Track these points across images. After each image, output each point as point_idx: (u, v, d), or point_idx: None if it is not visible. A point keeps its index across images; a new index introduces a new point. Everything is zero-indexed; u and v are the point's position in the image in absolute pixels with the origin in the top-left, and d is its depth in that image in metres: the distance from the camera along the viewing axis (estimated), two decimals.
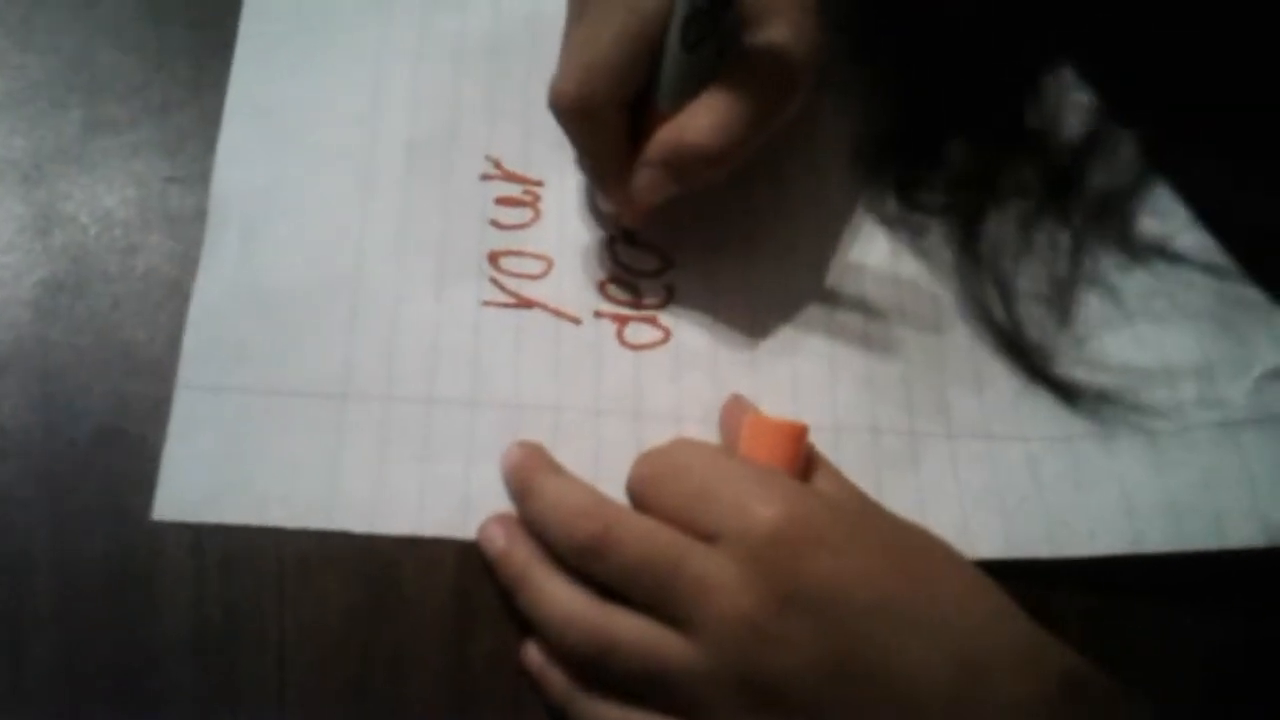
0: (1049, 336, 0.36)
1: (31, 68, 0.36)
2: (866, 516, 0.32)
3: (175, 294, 0.34)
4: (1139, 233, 0.38)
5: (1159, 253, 0.38)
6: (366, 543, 0.32)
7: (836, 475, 0.33)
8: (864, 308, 0.37)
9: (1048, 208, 0.38)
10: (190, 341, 0.33)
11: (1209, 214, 0.38)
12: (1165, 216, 0.38)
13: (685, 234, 0.37)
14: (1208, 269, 0.37)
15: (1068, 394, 0.36)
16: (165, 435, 0.32)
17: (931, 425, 0.36)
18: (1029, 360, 0.36)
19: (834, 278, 0.38)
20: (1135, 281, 0.38)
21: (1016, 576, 0.32)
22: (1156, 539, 0.34)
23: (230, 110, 0.37)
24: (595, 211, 0.37)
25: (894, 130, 0.39)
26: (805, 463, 0.33)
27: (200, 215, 0.35)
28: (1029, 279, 0.37)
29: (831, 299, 0.37)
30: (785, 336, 0.37)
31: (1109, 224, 0.38)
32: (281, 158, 0.36)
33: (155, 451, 0.32)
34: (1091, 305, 0.37)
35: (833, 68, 0.36)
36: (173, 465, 0.32)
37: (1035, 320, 0.37)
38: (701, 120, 0.32)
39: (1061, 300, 0.37)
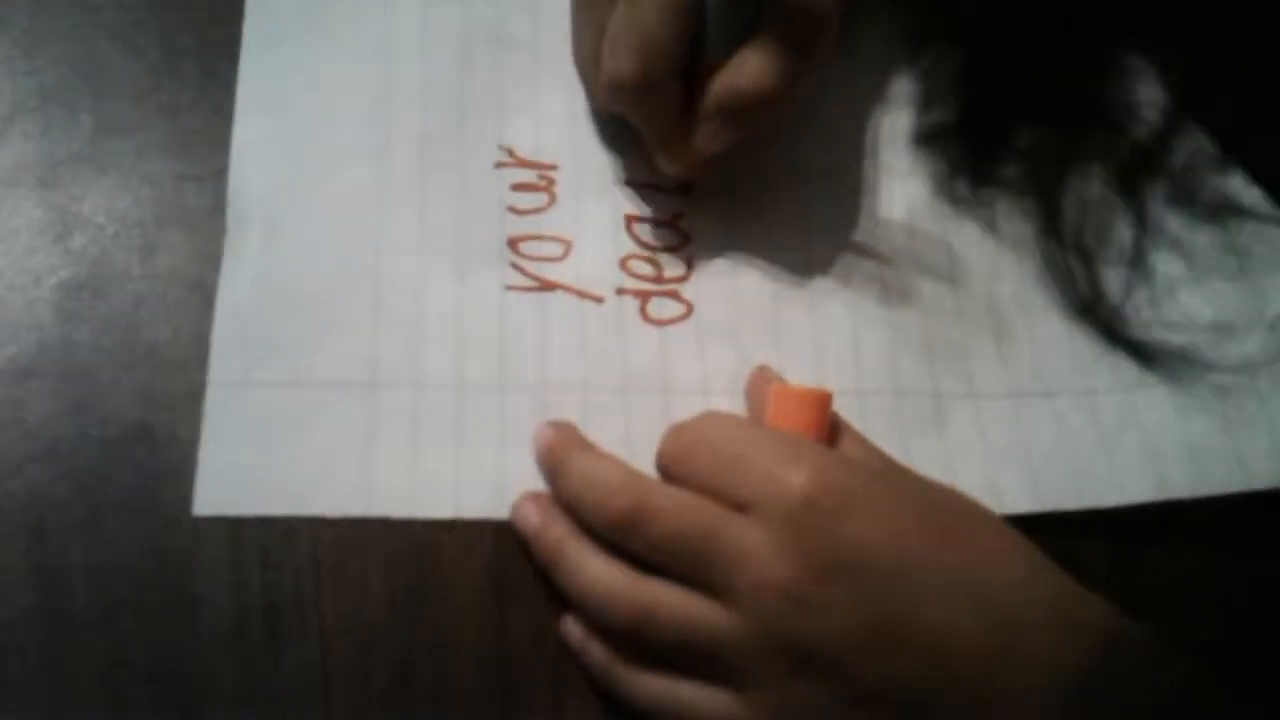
0: (1128, 301, 0.37)
1: (40, 74, 0.36)
2: (895, 478, 0.32)
3: (197, 290, 0.34)
4: (1212, 198, 0.39)
5: (1228, 209, 0.39)
6: (402, 528, 0.32)
7: (862, 440, 0.33)
8: (883, 271, 0.38)
9: (1126, 182, 0.39)
10: (219, 338, 0.33)
11: None
12: (1240, 192, 0.39)
13: (702, 206, 0.38)
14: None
15: (1145, 355, 0.36)
16: (196, 431, 0.32)
17: (955, 385, 0.36)
18: (1109, 325, 0.37)
19: (851, 243, 0.38)
20: (1205, 239, 0.38)
21: (1042, 529, 0.32)
22: (1181, 484, 0.35)
23: (241, 108, 0.37)
24: (649, 165, 0.37)
25: (963, 111, 0.40)
26: (831, 429, 0.33)
27: (216, 212, 0.35)
28: (1108, 247, 0.38)
29: (850, 264, 0.38)
30: (806, 304, 0.37)
31: (1186, 199, 0.39)
32: (296, 153, 0.36)
33: (187, 447, 0.32)
34: (1166, 266, 0.38)
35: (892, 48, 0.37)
36: (210, 461, 0.32)
37: (1114, 286, 0.37)
38: (752, 65, 0.33)
39: (1139, 265, 0.38)
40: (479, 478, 0.33)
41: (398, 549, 0.32)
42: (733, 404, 0.35)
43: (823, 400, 0.32)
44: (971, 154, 0.39)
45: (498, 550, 0.32)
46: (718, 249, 0.37)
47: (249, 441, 0.32)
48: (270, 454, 0.32)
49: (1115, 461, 0.35)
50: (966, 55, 0.40)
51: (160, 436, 0.32)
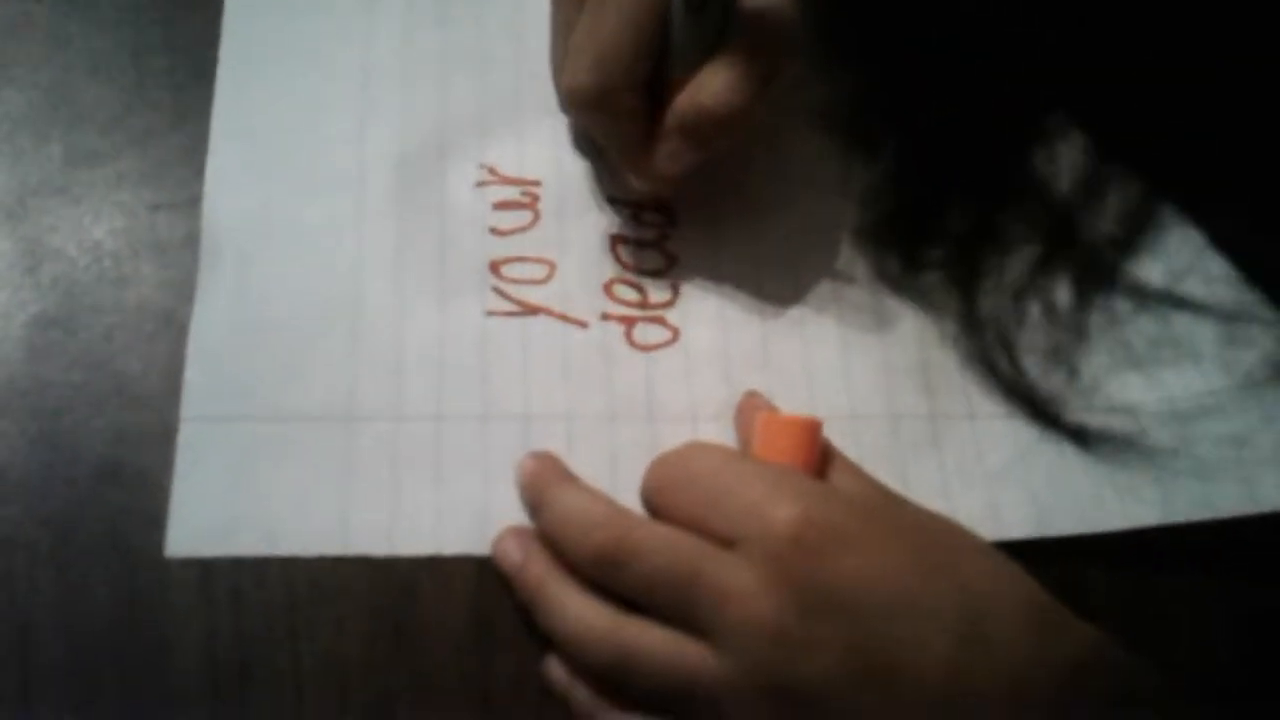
0: (1059, 388, 0.35)
1: (10, 103, 0.36)
2: (886, 510, 0.31)
3: (169, 323, 0.33)
4: (1143, 279, 0.36)
5: (1165, 298, 0.36)
6: (381, 565, 0.31)
7: (853, 469, 0.32)
8: (874, 292, 0.36)
9: (1050, 259, 0.37)
10: (191, 373, 0.32)
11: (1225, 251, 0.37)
12: (1171, 257, 0.37)
13: (687, 230, 0.37)
14: (1216, 312, 0.36)
15: (1083, 440, 0.35)
16: (167, 467, 0.31)
17: (952, 406, 0.35)
18: (1041, 412, 0.35)
19: (842, 263, 0.37)
20: (1142, 327, 0.36)
21: (1043, 554, 0.31)
22: (1186, 508, 0.34)
23: (216, 135, 0.36)
24: (619, 182, 0.36)
25: (894, 197, 0.38)
26: (822, 458, 0.32)
27: (189, 242, 0.34)
28: (1034, 332, 0.36)
29: (840, 286, 0.36)
30: (796, 327, 0.36)
31: (1111, 270, 0.37)
32: (272, 181, 0.36)
33: (158, 485, 0.31)
34: (1099, 354, 0.36)
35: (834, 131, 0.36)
36: (182, 501, 0.31)
37: (1043, 373, 0.35)
38: (715, 83, 0.32)
39: (1068, 352, 0.36)
40: (460, 512, 0.32)
41: (376, 588, 0.31)
42: (721, 431, 0.34)
43: (812, 429, 0.31)
44: (907, 238, 0.37)
45: (480, 587, 0.31)
46: (704, 272, 0.36)
47: (222, 479, 0.31)
48: (244, 492, 0.31)
49: (1117, 484, 0.34)
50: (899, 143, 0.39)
51: (131, 475, 0.31)
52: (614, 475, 0.33)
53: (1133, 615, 0.33)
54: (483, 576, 0.31)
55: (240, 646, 0.30)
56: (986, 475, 0.34)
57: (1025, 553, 0.31)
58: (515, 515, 0.32)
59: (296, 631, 0.30)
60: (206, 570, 0.30)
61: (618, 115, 0.33)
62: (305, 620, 0.30)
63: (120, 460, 0.31)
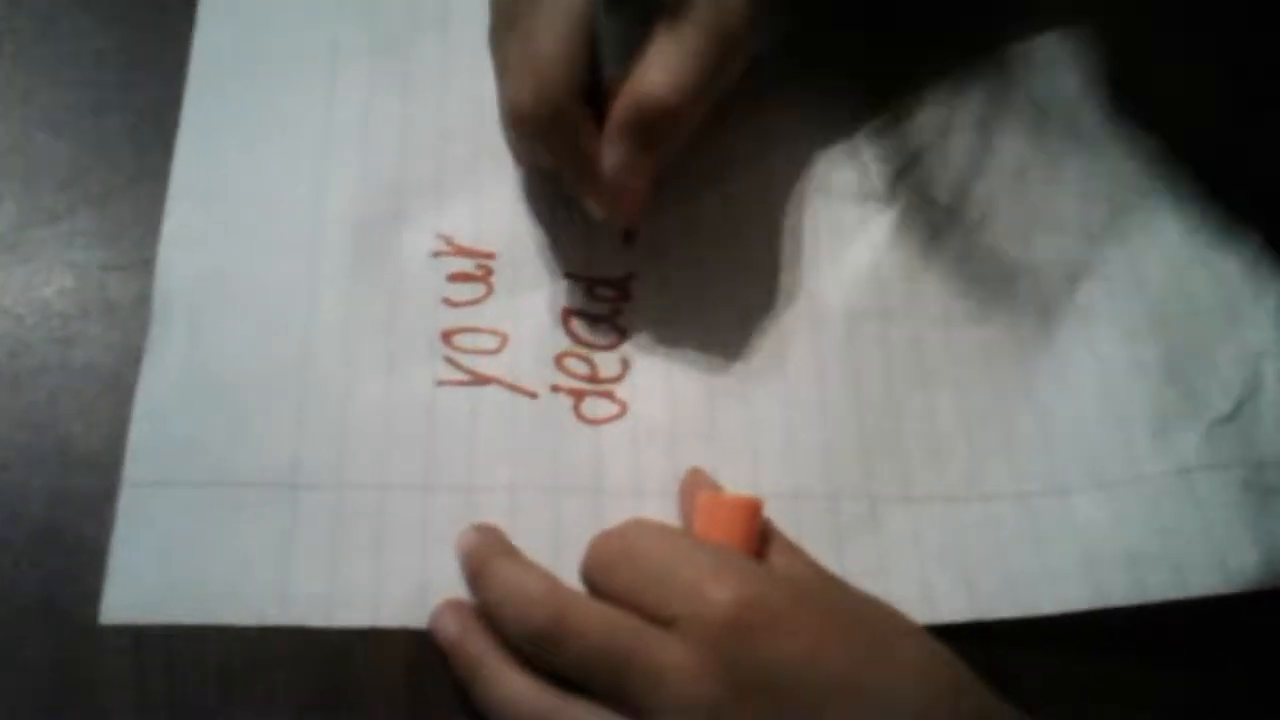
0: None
1: None
2: (823, 593, 0.31)
3: (115, 386, 0.33)
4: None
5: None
6: (316, 635, 0.31)
7: (792, 550, 0.33)
8: (820, 374, 0.37)
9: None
10: (136, 436, 0.32)
11: None
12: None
13: (640, 304, 0.37)
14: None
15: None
16: (106, 532, 0.31)
17: (890, 489, 0.36)
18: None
19: (789, 341, 0.37)
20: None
21: (978, 638, 0.32)
22: (1118, 592, 0.34)
23: (174, 195, 0.36)
24: (586, 218, 0.36)
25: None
26: (761, 537, 0.32)
27: (140, 303, 0.34)
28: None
29: (787, 361, 0.37)
30: (742, 403, 0.36)
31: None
32: (227, 244, 0.36)
33: (95, 549, 0.31)
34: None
35: None
36: (120, 567, 0.31)
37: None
38: (653, 74, 0.31)
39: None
40: (400, 583, 0.32)
41: (309, 657, 0.31)
42: (666, 505, 0.34)
43: (752, 509, 0.32)
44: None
45: (415, 659, 0.31)
46: (654, 346, 0.37)
47: (162, 546, 0.31)
48: (183, 560, 0.31)
49: (1052, 567, 0.35)
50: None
51: (68, 538, 0.31)
52: (557, 548, 0.33)
53: (1063, 700, 0.33)
54: (420, 648, 0.31)
55: (172, 714, 0.30)
56: (921, 556, 0.35)
57: (959, 635, 0.31)
58: (455, 588, 0.32)
59: (228, 701, 0.30)
60: (140, 637, 0.30)
61: (563, 130, 0.32)
62: (237, 690, 0.30)
63: (59, 523, 0.31)
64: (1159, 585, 0.34)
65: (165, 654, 0.30)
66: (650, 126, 0.32)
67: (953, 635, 0.31)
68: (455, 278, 0.37)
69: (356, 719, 0.30)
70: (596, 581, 0.31)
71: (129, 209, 0.36)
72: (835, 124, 0.41)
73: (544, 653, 0.29)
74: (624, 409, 0.36)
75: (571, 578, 0.32)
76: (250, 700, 0.30)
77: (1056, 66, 0.42)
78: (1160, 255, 0.40)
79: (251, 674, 0.30)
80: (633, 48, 0.32)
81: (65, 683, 0.30)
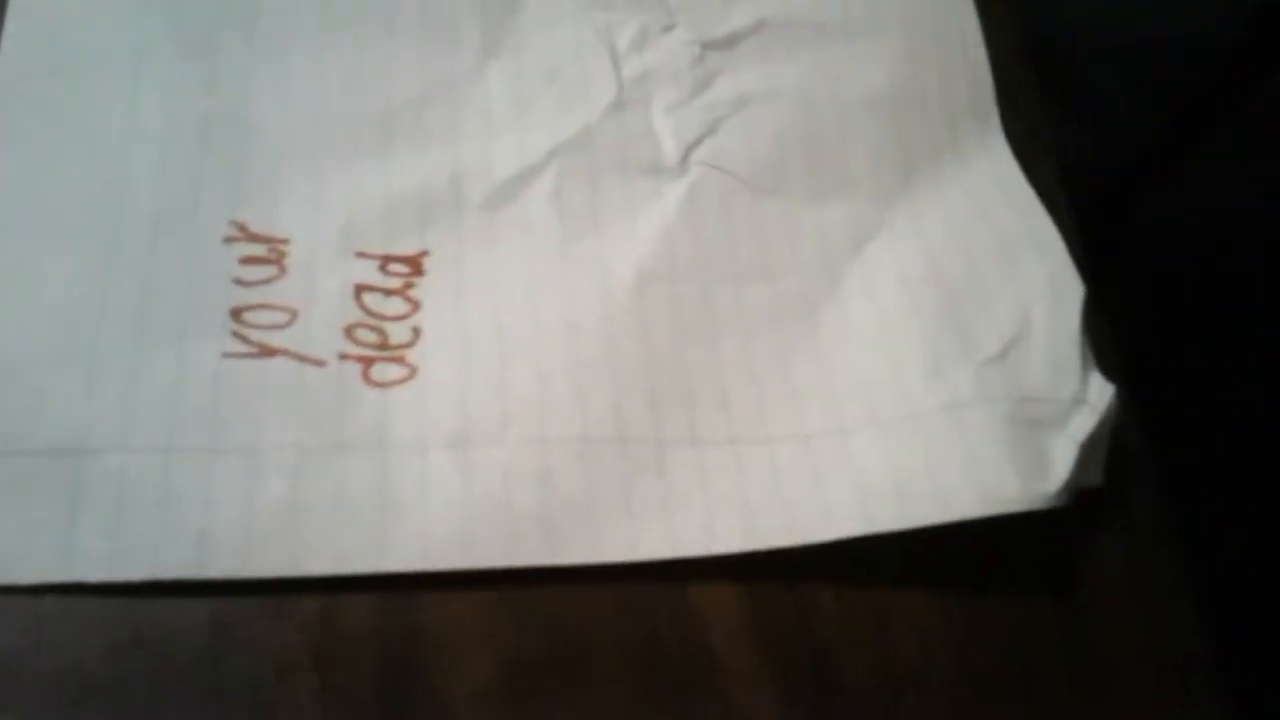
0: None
1: None
2: None
3: None
4: None
5: None
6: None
7: None
8: (609, 331, 0.39)
9: None
10: None
11: None
12: None
13: (432, 279, 0.39)
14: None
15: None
16: None
17: (678, 433, 0.37)
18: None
19: (579, 310, 0.39)
20: None
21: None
22: (886, 519, 0.36)
23: None
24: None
25: None
26: None
27: None
28: None
29: (578, 328, 0.39)
30: (532, 363, 0.38)
31: None
32: (22, 236, 0.37)
33: None
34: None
35: None
36: None
37: None
38: None
39: None
40: (181, 540, 0.33)
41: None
42: (452, 458, 0.36)
43: None
44: None
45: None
46: (445, 315, 0.38)
47: None
48: None
49: (829, 500, 0.37)
50: None
51: None
52: (340, 505, 0.34)
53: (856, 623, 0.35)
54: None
55: None
56: (706, 497, 0.36)
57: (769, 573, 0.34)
58: (235, 538, 0.33)
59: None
60: None
61: None
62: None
63: None
64: (924, 512, 0.36)
65: None
66: None
67: (762, 573, 0.33)
68: (247, 260, 0.38)
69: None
70: None
71: None
72: (631, 103, 0.44)
73: None
74: (414, 372, 0.37)
75: (356, 533, 0.33)
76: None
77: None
78: (943, 211, 0.42)
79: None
80: None
81: None
